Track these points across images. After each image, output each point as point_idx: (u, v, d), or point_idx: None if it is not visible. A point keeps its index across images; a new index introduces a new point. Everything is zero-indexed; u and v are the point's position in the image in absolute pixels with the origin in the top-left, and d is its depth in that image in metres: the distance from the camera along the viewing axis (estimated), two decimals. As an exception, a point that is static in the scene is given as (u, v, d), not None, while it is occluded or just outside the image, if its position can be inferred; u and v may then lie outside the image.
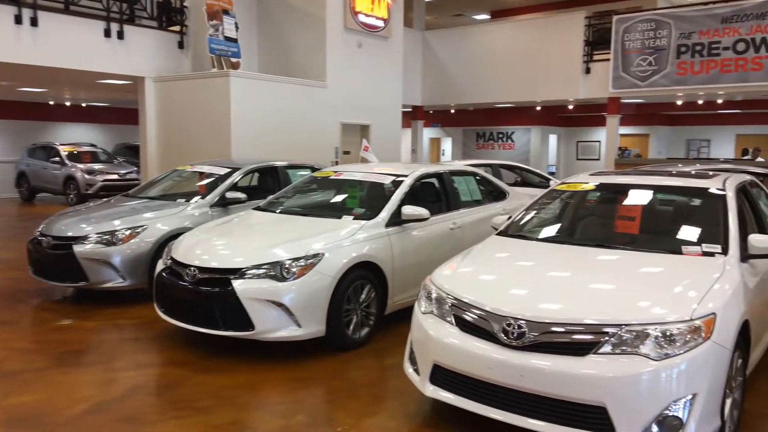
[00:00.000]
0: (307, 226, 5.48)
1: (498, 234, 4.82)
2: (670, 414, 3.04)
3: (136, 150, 15.81)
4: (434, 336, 3.68)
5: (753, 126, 20.18)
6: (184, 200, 7.25)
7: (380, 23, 13.96)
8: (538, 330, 3.30)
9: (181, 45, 12.63)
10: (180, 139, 11.94)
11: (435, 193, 6.56)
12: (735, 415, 3.55)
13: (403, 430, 3.79)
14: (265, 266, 4.83)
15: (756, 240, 3.97)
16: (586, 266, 3.98)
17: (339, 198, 6.46)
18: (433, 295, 3.88)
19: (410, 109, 18.23)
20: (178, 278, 5.11)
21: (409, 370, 3.94)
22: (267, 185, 7.99)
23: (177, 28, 12.65)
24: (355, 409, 4.06)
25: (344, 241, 5.18)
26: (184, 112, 11.88)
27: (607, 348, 3.16)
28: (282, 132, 11.85)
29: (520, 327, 3.34)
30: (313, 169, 7.93)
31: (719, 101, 17.33)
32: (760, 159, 15.86)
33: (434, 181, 6.63)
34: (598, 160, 21.41)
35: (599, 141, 21.17)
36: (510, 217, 5.05)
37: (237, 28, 12.04)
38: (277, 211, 6.17)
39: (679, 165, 9.86)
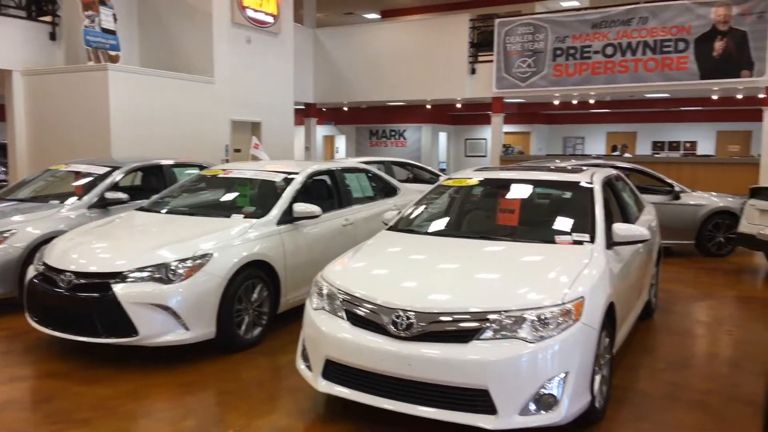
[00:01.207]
0: (194, 226, 5.31)
1: (388, 229, 4.93)
2: (546, 392, 3.26)
3: (4, 148, 14.57)
4: (326, 331, 3.70)
5: (621, 124, 21.94)
6: (58, 202, 6.79)
7: (269, 19, 13.76)
8: (426, 320, 3.42)
9: (53, 36, 11.78)
10: (53, 136, 11.14)
11: (327, 191, 6.58)
12: (604, 390, 3.86)
13: (297, 427, 3.79)
14: (149, 269, 4.64)
15: (619, 228, 4.33)
16: (470, 258, 4.16)
17: (229, 197, 6.31)
18: (325, 291, 3.91)
19: (303, 107, 18.13)
20: (52, 285, 4.78)
21: (301, 366, 3.95)
22: (151, 185, 7.64)
23: (48, 18, 11.78)
24: (247, 410, 4.00)
25: (234, 240, 5.08)
26: (57, 108, 11.09)
27: (488, 334, 3.33)
28: (168, 129, 11.38)
29: (408, 318, 3.44)
30: (201, 168, 7.69)
31: (591, 101, 18.65)
32: (627, 155, 17.26)
33: (326, 178, 6.65)
34: (485, 156, 22.39)
35: (485, 138, 22.12)
36: (400, 213, 5.18)
37: (115, 19, 11.41)
38: (163, 211, 5.94)
39: (557, 161, 10.57)
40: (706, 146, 21.06)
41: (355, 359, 3.55)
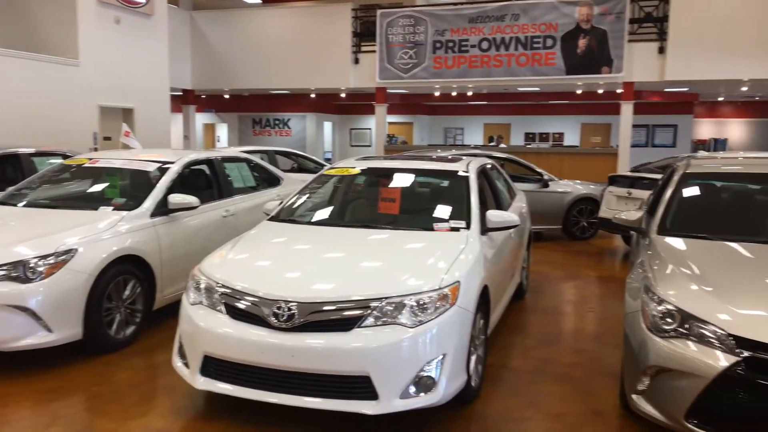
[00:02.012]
0: (57, 220, 4.92)
1: (269, 219, 4.84)
2: (425, 374, 3.36)
3: None
4: (204, 327, 3.58)
5: (497, 116, 23.02)
6: None
7: (141, -1, 12.98)
8: (308, 310, 3.40)
9: None
10: None
11: (206, 181, 6.35)
12: (480, 369, 4.06)
13: (173, 428, 3.63)
14: (5, 267, 4.24)
15: (492, 215, 4.55)
16: (351, 247, 4.18)
17: (96, 188, 5.90)
18: (202, 285, 3.77)
19: (180, 93, 17.33)
20: None
21: (178, 364, 3.79)
22: (7, 176, 6.98)
23: None
24: (118, 413, 3.78)
25: (103, 234, 4.76)
26: None
27: (370, 321, 3.37)
28: (27, 115, 10.44)
29: (290, 309, 3.40)
30: (65, 157, 7.13)
31: (469, 93, 19.39)
32: (502, 145, 18.15)
33: (205, 167, 6.41)
34: (370, 146, 22.62)
35: (370, 128, 22.34)
36: (282, 203, 5.10)
37: (-40, -9, 10.26)
38: (20, 204, 5.44)
39: (438, 150, 10.89)
40: (572, 137, 22.63)
41: (235, 354, 3.46)
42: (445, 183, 5.14)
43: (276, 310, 3.42)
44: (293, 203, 5.06)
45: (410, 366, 3.31)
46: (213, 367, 3.57)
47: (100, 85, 12.09)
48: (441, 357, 3.40)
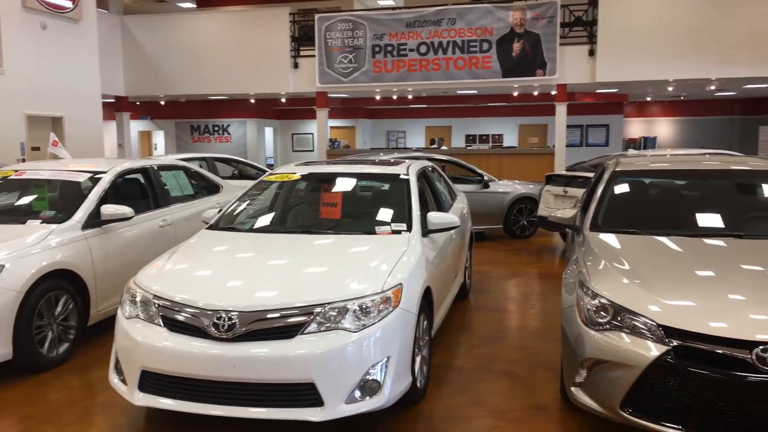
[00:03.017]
0: (-20, 236, 4.67)
1: (208, 228, 4.75)
2: (370, 378, 3.37)
3: None
4: (141, 341, 3.47)
5: (438, 119, 23.33)
6: None
7: (68, 3, 12.50)
8: (249, 319, 3.34)
9: None
10: None
11: (141, 190, 6.17)
12: (425, 369, 4.09)
13: (113, 447, 3.51)
14: None
15: (433, 217, 4.60)
16: (293, 253, 4.14)
17: (24, 200, 5.63)
18: (138, 298, 3.66)
19: (113, 100, 16.77)
20: None
21: (115, 380, 3.66)
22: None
23: None
24: (53, 435, 3.63)
25: (32, 248, 4.56)
26: None
27: (313, 327, 3.35)
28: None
29: (230, 319, 3.34)
30: (-11, 169, 6.77)
31: (410, 97, 19.58)
32: (444, 147, 18.41)
33: (139, 177, 6.23)
34: (312, 151, 22.50)
35: (312, 133, 22.23)
36: (221, 211, 5.01)
37: None
38: (-61, 220, 5.15)
39: (381, 154, 10.94)
40: (511, 139, 23.17)
41: (174, 367, 3.37)
42: (386, 186, 5.17)
43: (216, 321, 3.35)
44: (233, 211, 4.98)
45: (355, 370, 3.31)
46: (152, 381, 3.47)
47: (26, 94, 11.57)
48: (385, 360, 3.41)
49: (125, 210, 5.27)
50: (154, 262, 4.14)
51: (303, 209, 5.28)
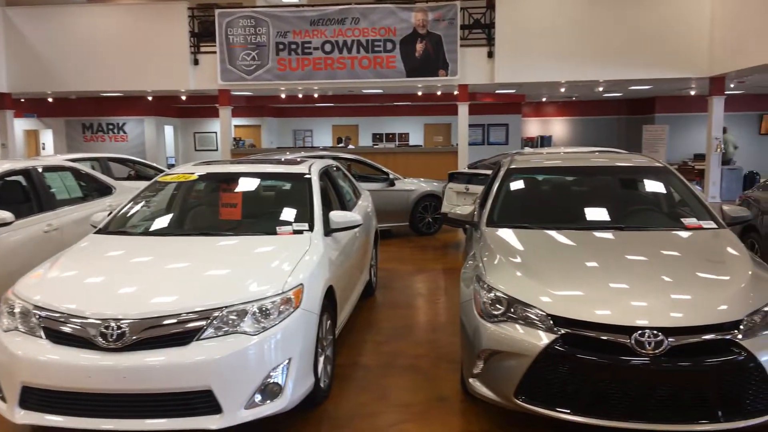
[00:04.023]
0: None
1: (97, 232, 4.49)
2: (271, 381, 3.31)
3: None
4: (21, 355, 3.23)
5: (345, 118, 23.32)
6: None
7: (-62, -10, 11.43)
8: (141, 327, 3.20)
9: None
10: None
11: (23, 193, 5.75)
12: (328, 369, 4.08)
13: (-10, 471, 3.25)
14: None
15: (335, 216, 4.59)
16: (190, 256, 4.00)
17: None
18: (17, 310, 3.41)
19: (-6, 97, 15.52)
20: None
21: (-8, 399, 3.39)
22: None
23: None
24: None
25: None
26: None
27: (210, 332, 3.25)
28: None
29: (119, 327, 3.18)
30: None
31: (315, 95, 19.45)
32: (351, 146, 18.44)
33: (21, 179, 5.80)
34: (216, 150, 21.84)
35: (216, 132, 21.58)
36: (111, 213, 4.75)
37: None
38: None
39: (287, 153, 10.80)
40: (416, 137, 23.56)
41: (58, 381, 3.17)
42: (288, 186, 5.11)
43: (104, 330, 3.17)
44: (125, 213, 4.74)
45: (255, 374, 3.24)
46: (35, 398, 3.24)
47: None
48: (287, 362, 3.37)
49: (4, 215, 4.90)
50: (35, 270, 3.87)
51: (201, 210, 5.11)
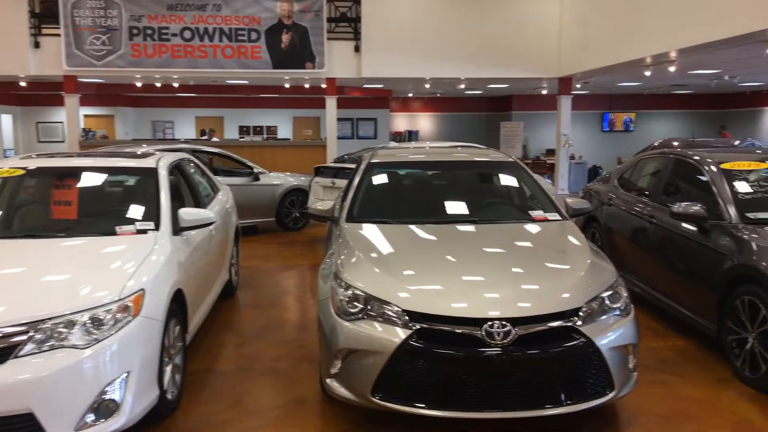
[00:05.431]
0: None
1: None
2: (106, 398, 3.00)
3: None
4: None
5: (209, 109, 22.34)
6: None
7: None
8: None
9: None
10: None
11: None
12: (178, 379, 3.79)
13: None
14: None
15: (186, 213, 4.29)
16: (12, 262, 3.54)
17: None
18: None
19: None
20: None
21: None
22: None
23: None
24: None
25: None
26: None
27: (31, 347, 2.87)
28: None
29: None
30: None
31: (176, 84, 18.42)
32: (215, 139, 17.71)
33: None
34: (62, 141, 19.99)
35: (62, 122, 19.76)
36: None
37: None
38: None
39: (144, 145, 10.05)
40: (285, 131, 23.12)
41: None
42: (132, 181, 4.70)
43: None
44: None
45: (86, 392, 2.91)
46: None
47: None
48: (125, 376, 3.07)
49: None
50: None
51: (31, 210, 4.57)
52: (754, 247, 4.20)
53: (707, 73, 14.64)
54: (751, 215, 4.54)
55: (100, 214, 4.37)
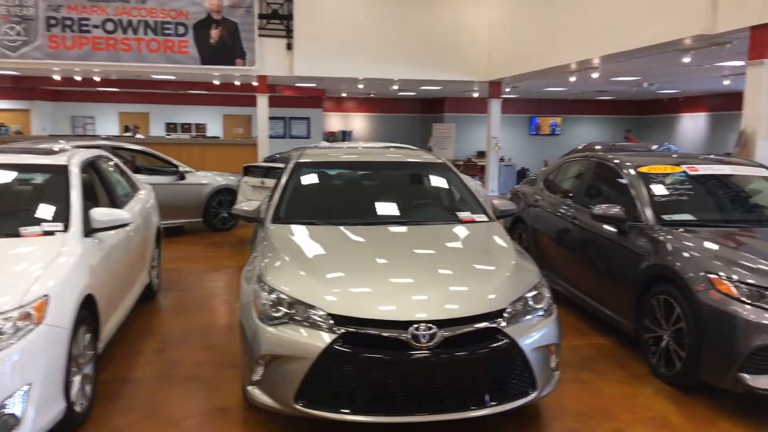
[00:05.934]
0: None
1: None
2: (5, 412, 2.78)
3: None
4: None
5: (134, 105, 21.47)
6: None
7: None
8: None
9: None
10: None
11: None
12: (88, 389, 3.56)
13: None
14: None
15: (99, 214, 4.05)
16: None
17: None
18: None
19: None
20: None
21: None
22: None
23: None
24: None
25: None
26: None
27: None
28: None
29: None
30: None
31: (97, 78, 17.61)
32: (139, 136, 17.04)
33: None
34: (-28, 137, 18.73)
35: (-28, 115, 18.54)
36: None
37: None
38: None
39: (61, 141, 9.51)
40: (215, 128, 22.51)
41: None
42: (41, 179, 4.40)
43: None
44: None
45: (-20, 408, 2.68)
46: None
47: None
48: (26, 388, 2.85)
49: None
50: None
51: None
52: (669, 248, 4.37)
53: (628, 80, 15.31)
54: (666, 217, 4.73)
55: (4, 215, 4.06)
